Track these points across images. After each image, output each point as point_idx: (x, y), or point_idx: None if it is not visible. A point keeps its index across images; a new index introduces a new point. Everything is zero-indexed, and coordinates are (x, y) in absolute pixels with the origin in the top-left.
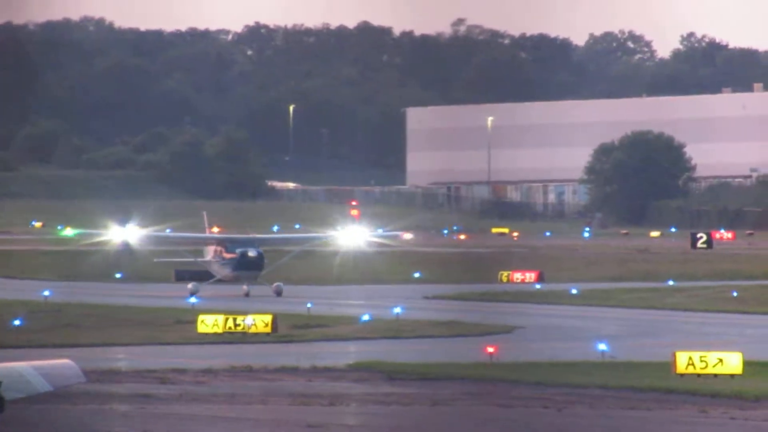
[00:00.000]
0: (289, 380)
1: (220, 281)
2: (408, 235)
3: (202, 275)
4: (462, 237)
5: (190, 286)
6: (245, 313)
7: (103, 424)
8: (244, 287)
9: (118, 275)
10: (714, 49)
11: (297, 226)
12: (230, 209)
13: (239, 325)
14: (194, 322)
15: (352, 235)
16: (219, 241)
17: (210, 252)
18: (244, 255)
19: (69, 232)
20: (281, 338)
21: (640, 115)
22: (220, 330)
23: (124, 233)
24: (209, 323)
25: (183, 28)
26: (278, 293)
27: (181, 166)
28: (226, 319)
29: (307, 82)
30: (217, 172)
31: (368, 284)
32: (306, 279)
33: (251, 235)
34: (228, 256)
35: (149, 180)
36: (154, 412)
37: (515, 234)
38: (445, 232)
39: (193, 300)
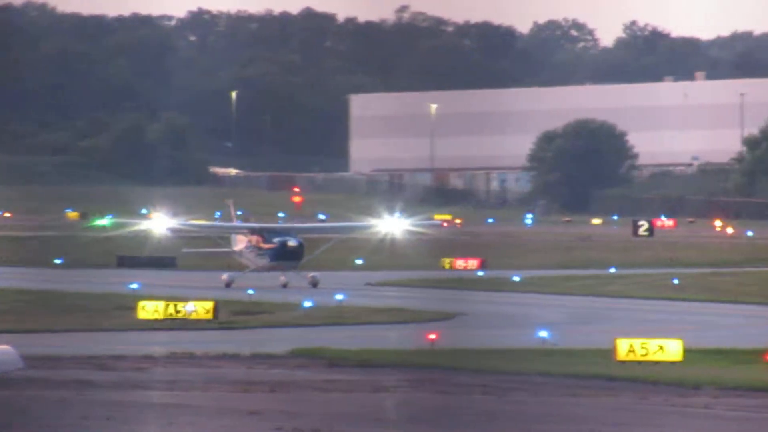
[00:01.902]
0: (229, 367)
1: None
2: (445, 224)
3: (147, 262)
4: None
5: (224, 277)
6: (186, 299)
7: (42, 410)
8: (282, 278)
9: (58, 261)
10: (656, 38)
11: (239, 213)
12: (172, 195)
13: (180, 311)
14: (135, 308)
15: (393, 224)
16: (254, 231)
17: (241, 242)
18: (283, 245)
19: (104, 221)
20: (222, 325)
21: (583, 103)
22: (160, 316)
23: (166, 222)
24: (150, 309)
25: (126, 13)
26: (314, 284)
27: (123, 151)
28: (167, 306)
29: (250, 68)
30: (158, 158)
31: (309, 271)
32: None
33: (291, 224)
34: (266, 246)
35: (90, 166)
36: (94, 398)
37: (458, 221)
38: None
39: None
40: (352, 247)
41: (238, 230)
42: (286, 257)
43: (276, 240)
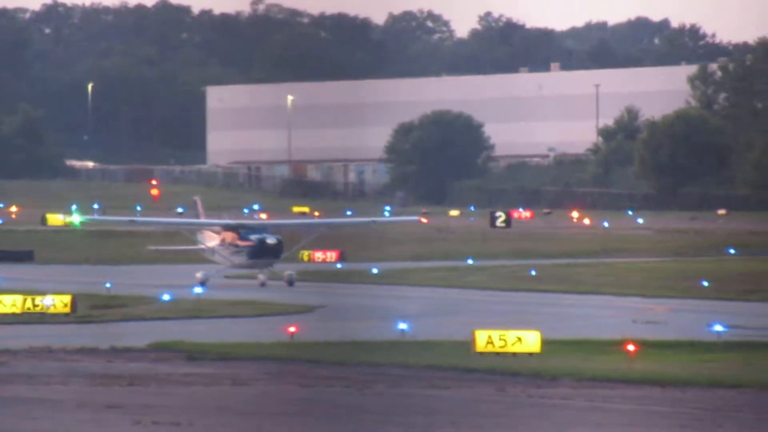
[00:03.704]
0: (88, 361)
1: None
2: (424, 219)
3: (3, 256)
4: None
5: (199, 275)
6: (44, 293)
7: None
8: (260, 276)
9: None
10: (511, 29)
11: (95, 206)
12: (27, 188)
13: (38, 305)
14: None
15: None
16: (230, 228)
17: (213, 239)
18: (262, 242)
19: (75, 219)
20: (80, 318)
21: (439, 94)
22: (18, 310)
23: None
24: (7, 303)
25: None
26: (290, 283)
27: None
28: (24, 300)
29: (106, 61)
30: (13, 151)
31: (169, 264)
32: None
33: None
34: (242, 243)
35: None
36: None
37: (316, 213)
38: (246, 211)
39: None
40: None
41: (210, 227)
42: (264, 255)
43: (253, 237)
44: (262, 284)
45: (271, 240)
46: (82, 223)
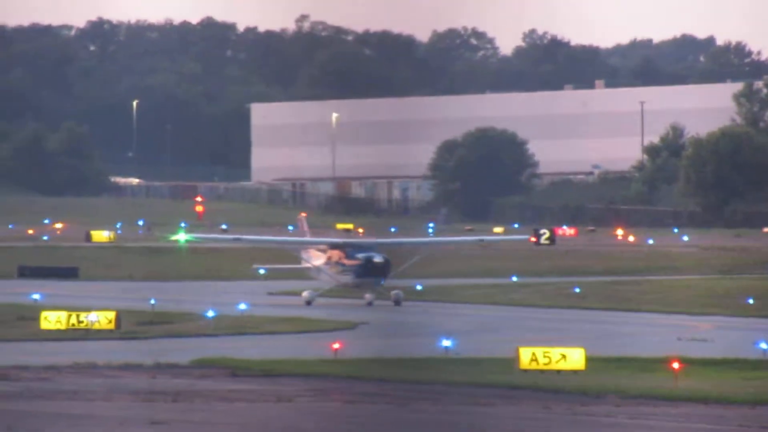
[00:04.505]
0: (132, 377)
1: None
2: (533, 239)
3: (49, 272)
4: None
5: (305, 294)
6: (89, 309)
7: None
8: (367, 296)
9: None
10: (555, 46)
11: (140, 222)
12: (72, 205)
13: (83, 321)
14: (37, 318)
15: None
16: (336, 246)
17: (318, 257)
18: (369, 261)
19: (181, 237)
20: (125, 335)
21: (483, 111)
22: (63, 327)
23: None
24: (52, 320)
25: (25, 23)
26: (397, 302)
27: (23, 161)
28: (70, 316)
29: (151, 78)
30: (59, 167)
31: (212, 280)
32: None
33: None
34: (349, 262)
35: None
36: None
37: (360, 230)
38: (291, 228)
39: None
40: (255, 256)
41: (316, 245)
42: (371, 274)
43: (360, 256)
44: (369, 303)
45: (378, 259)
46: (188, 241)
